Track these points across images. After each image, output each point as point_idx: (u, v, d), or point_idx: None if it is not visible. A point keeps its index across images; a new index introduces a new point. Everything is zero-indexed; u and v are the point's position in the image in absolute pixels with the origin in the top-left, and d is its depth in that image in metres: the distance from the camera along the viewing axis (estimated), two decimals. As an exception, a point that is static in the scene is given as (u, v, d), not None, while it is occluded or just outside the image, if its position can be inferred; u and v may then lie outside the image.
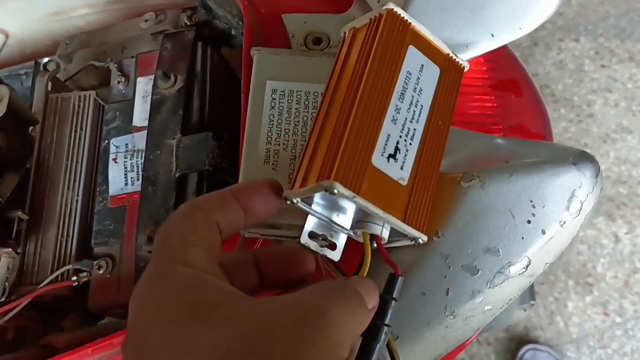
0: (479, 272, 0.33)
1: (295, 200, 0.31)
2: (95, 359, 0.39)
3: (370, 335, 0.28)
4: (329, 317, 0.22)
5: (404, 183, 0.32)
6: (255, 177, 0.35)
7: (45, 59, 0.58)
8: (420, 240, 0.32)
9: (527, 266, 0.34)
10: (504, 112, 0.42)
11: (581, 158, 0.34)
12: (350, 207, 0.32)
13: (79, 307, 0.51)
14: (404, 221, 0.31)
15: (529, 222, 0.33)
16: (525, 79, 0.45)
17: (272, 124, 0.36)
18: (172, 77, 0.49)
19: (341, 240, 0.34)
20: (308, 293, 0.24)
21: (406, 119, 0.33)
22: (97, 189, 0.51)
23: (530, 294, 0.90)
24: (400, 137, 0.32)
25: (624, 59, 1.36)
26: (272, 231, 0.36)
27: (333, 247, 0.34)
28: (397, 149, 0.32)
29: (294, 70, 0.37)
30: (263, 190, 0.29)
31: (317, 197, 0.31)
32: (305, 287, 0.25)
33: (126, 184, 0.50)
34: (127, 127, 0.52)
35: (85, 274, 0.48)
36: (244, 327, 0.22)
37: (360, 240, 0.33)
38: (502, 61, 0.44)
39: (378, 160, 0.31)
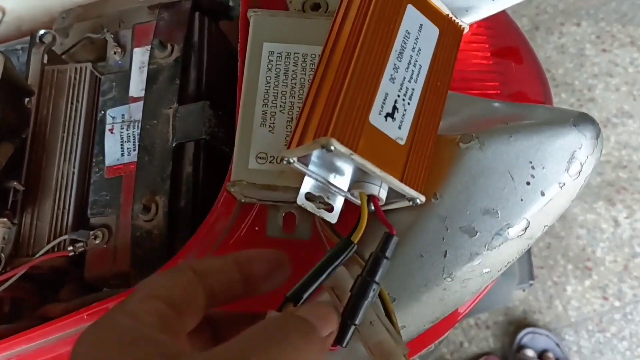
0: (477, 234, 0.33)
1: (292, 160, 0.30)
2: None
3: (358, 293, 0.27)
4: None
5: (402, 143, 0.31)
6: (250, 139, 0.34)
7: (42, 31, 0.58)
8: (418, 201, 0.32)
9: (525, 228, 0.33)
10: (503, 79, 0.41)
11: (581, 119, 0.33)
12: (347, 168, 0.32)
13: (76, 280, 0.51)
14: (401, 180, 0.31)
15: (528, 183, 0.33)
16: (526, 46, 0.44)
17: (269, 86, 0.35)
18: (169, 47, 0.49)
19: (338, 203, 0.34)
20: (235, 343, 0.21)
21: (404, 78, 0.32)
22: (94, 160, 0.51)
23: (529, 273, 0.90)
24: (399, 96, 0.32)
25: (625, 43, 1.35)
26: (268, 195, 0.36)
27: (330, 209, 0.34)
28: (395, 108, 0.31)
29: (292, 32, 0.36)
30: (267, 262, 0.27)
31: (314, 157, 0.31)
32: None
33: (122, 155, 0.50)
34: (124, 98, 0.51)
35: (81, 244, 0.48)
36: None
37: (358, 202, 0.33)
38: (502, 28, 0.44)
39: (376, 118, 0.30)
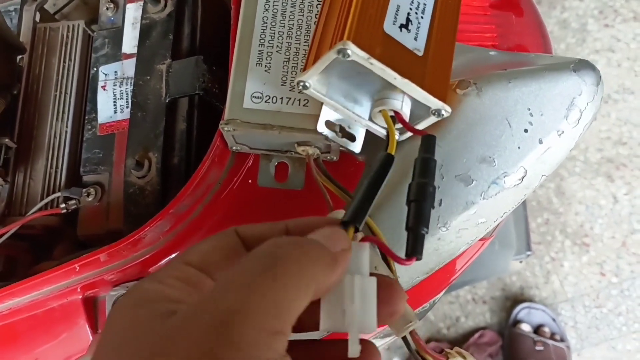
0: (473, 183, 0.33)
1: (308, 84, 0.29)
2: (82, 277, 0.39)
3: (418, 198, 0.25)
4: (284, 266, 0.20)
5: (420, 54, 0.30)
6: (246, 78, 0.33)
7: (33, -11, 0.56)
8: (443, 112, 0.30)
9: (522, 177, 0.33)
10: (503, 32, 0.40)
11: (582, 65, 0.32)
12: (365, 89, 0.31)
13: (69, 239, 0.51)
14: (423, 88, 0.29)
15: (526, 131, 0.32)
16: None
17: (266, 27, 0.34)
18: (162, 1, 0.48)
19: (360, 133, 0.33)
20: (237, 269, 0.21)
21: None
22: (86, 117, 0.50)
23: (526, 244, 0.89)
24: (411, 9, 0.30)
25: (628, 18, 1.33)
26: (262, 138, 0.35)
27: (352, 138, 0.33)
28: (408, 20, 0.30)
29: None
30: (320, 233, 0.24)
31: (331, 77, 0.30)
32: None
33: (115, 112, 0.49)
34: (117, 55, 0.50)
35: (74, 201, 0.47)
36: None
37: (380, 131, 0.32)
38: (502, -20, 0.43)
39: (390, 28, 0.29)
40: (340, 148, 0.35)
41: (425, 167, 0.26)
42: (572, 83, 0.32)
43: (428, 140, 0.27)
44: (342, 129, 0.33)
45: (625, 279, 1.19)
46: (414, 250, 0.25)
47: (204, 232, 0.38)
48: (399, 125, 0.30)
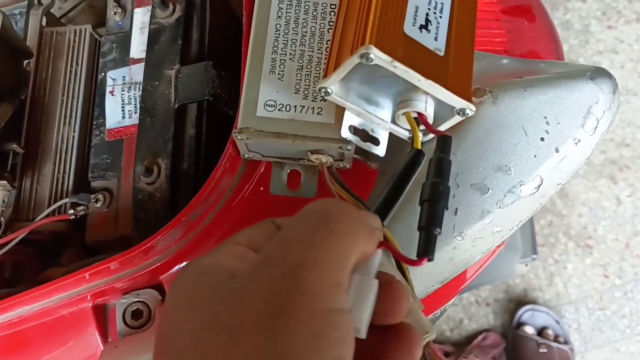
0: (489, 192, 0.32)
1: (330, 90, 0.29)
2: (92, 285, 0.39)
3: (432, 198, 0.25)
4: (337, 224, 0.21)
5: (441, 54, 0.30)
6: (259, 86, 0.33)
7: (40, -7, 0.56)
8: (468, 112, 0.30)
9: (539, 186, 0.33)
10: (514, 38, 0.40)
11: (599, 73, 0.32)
12: (387, 92, 0.30)
13: (77, 245, 0.50)
14: (447, 89, 0.29)
15: (542, 139, 0.32)
16: (539, 5, 0.43)
17: (279, 34, 0.34)
18: (171, 6, 0.47)
19: (383, 136, 0.33)
20: (282, 234, 0.22)
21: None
22: (94, 123, 0.49)
23: (532, 247, 0.89)
24: (429, 9, 0.30)
25: (631, 19, 1.33)
26: (275, 146, 0.34)
27: (376, 142, 0.33)
28: (427, 20, 0.30)
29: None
30: None
31: (353, 82, 0.30)
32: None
33: (123, 117, 0.48)
34: (124, 60, 0.50)
35: (82, 207, 0.47)
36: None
37: (404, 133, 0.32)
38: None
39: (410, 29, 0.29)
40: (354, 156, 0.34)
41: (439, 167, 0.26)
42: (588, 91, 0.32)
43: (443, 141, 0.27)
44: (364, 133, 0.32)
45: (629, 281, 1.19)
46: (426, 250, 0.24)
47: (215, 239, 0.38)
48: (421, 127, 0.30)
